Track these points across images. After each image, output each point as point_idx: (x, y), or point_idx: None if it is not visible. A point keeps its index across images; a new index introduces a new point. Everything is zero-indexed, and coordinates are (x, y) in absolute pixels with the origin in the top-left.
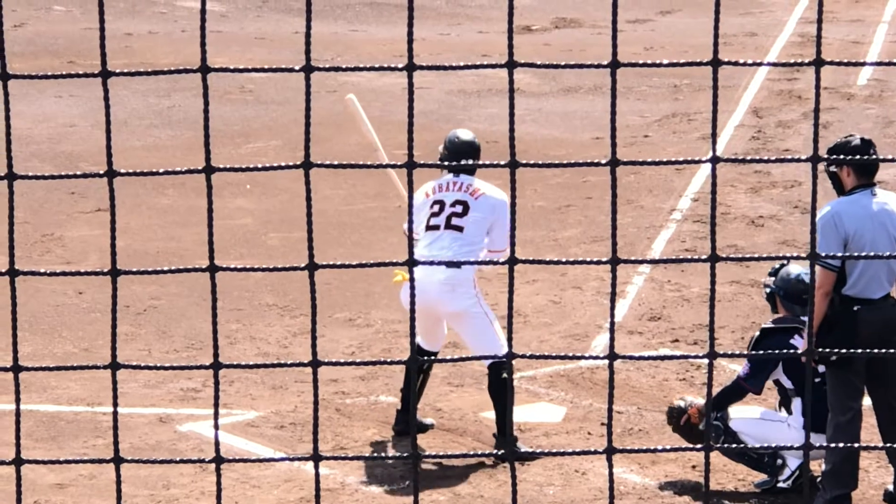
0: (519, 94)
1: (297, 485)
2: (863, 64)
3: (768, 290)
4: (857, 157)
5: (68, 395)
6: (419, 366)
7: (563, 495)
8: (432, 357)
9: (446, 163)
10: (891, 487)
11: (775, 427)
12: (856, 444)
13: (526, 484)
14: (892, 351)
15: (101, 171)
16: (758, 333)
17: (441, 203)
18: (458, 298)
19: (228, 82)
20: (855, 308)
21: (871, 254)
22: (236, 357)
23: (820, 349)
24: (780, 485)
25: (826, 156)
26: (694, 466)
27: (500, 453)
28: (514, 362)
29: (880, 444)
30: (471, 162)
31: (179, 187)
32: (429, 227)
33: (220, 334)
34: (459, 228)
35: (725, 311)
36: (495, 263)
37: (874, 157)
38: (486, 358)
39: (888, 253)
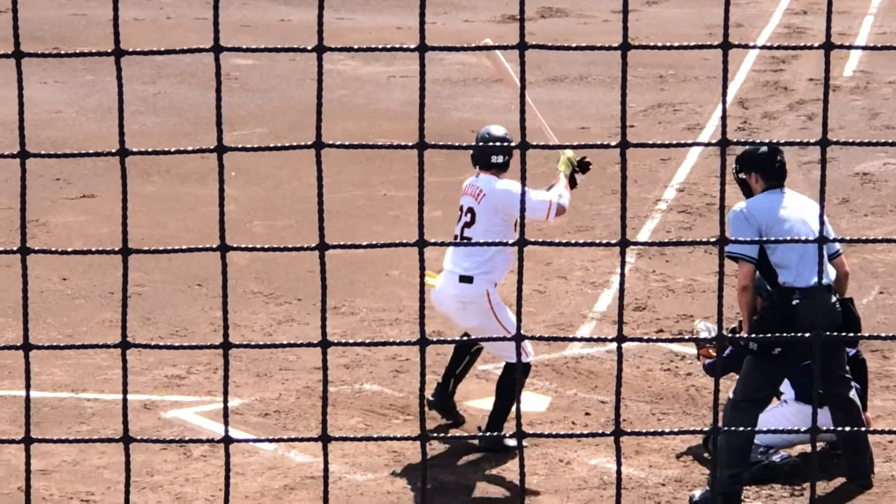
0: (504, 84)
1: (281, 472)
2: (875, 48)
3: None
4: (766, 164)
5: (52, 381)
6: (465, 349)
7: (546, 484)
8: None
9: (457, 144)
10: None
11: (775, 412)
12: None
13: (509, 473)
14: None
15: (114, 150)
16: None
17: (461, 209)
18: (470, 316)
19: (214, 69)
20: (794, 301)
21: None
22: None
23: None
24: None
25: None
26: (679, 456)
27: (509, 434)
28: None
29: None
30: (501, 159)
31: (164, 175)
32: (454, 236)
33: (203, 321)
34: (468, 240)
35: (709, 301)
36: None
37: (782, 161)
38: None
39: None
